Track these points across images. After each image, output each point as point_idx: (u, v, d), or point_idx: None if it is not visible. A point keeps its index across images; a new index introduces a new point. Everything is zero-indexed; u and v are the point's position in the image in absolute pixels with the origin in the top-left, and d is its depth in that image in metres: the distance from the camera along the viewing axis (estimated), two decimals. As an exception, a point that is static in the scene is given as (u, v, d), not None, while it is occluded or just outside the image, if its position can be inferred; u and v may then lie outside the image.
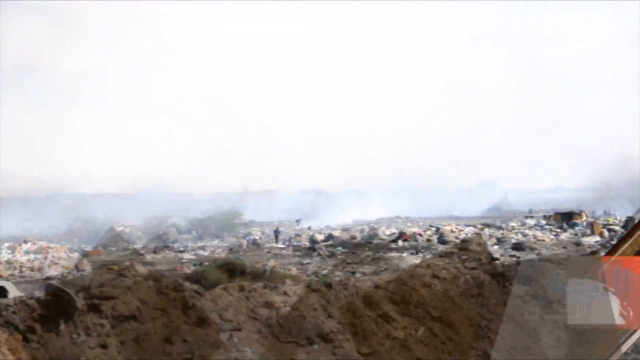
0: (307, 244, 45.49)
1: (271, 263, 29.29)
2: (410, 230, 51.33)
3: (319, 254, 36.63)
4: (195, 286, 18.11)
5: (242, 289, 18.94)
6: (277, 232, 51.42)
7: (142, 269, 22.75)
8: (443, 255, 34.49)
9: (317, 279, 20.98)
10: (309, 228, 68.22)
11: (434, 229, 52.29)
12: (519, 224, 59.40)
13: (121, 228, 62.35)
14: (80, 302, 13.61)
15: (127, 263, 26.88)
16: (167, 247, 46.44)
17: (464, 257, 31.94)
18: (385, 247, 40.54)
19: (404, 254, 35.67)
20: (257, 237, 55.44)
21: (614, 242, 35.74)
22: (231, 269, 19.92)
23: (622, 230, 45.15)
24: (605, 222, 54.00)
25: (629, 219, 49.73)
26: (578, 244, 39.35)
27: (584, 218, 57.88)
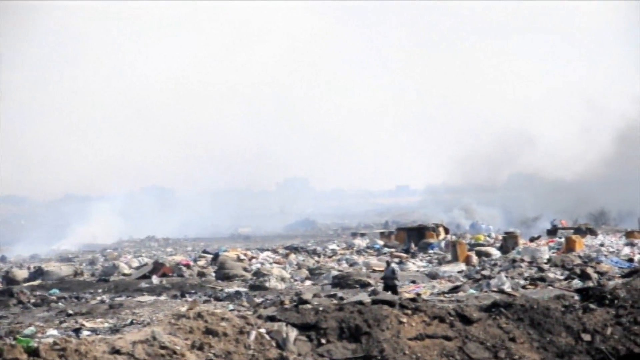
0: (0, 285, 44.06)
1: None
2: (171, 259, 51.20)
3: (20, 302, 35.61)
4: None
5: None
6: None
7: None
8: (225, 298, 34.89)
9: (14, 341, 20.32)
10: (3, 258, 66.12)
11: (209, 256, 52.56)
12: (344, 245, 61.27)
13: None
14: None
15: None
16: None
17: (257, 300, 32.52)
18: (130, 287, 40.19)
19: (162, 297, 35.52)
20: None
21: (486, 273, 37.86)
22: None
23: (499, 253, 47.93)
24: (473, 242, 57.06)
25: (508, 236, 52.89)
26: (433, 275, 41.21)
27: (442, 235, 60.77)
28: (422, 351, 20.53)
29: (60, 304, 34.91)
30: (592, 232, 59.08)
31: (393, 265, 34.66)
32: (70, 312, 31.23)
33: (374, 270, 43.88)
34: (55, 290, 39.44)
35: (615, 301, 22.62)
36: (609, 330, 21.55)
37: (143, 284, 40.82)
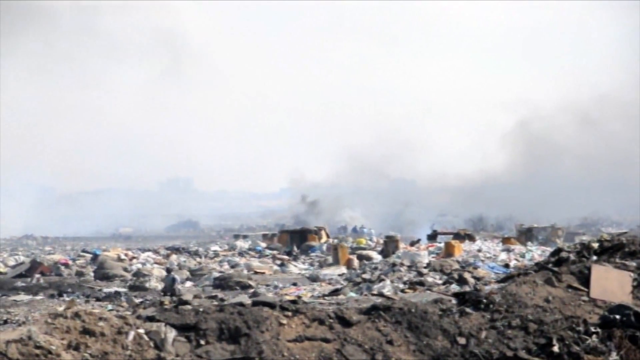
0: None
1: None
2: (50, 257, 50.51)
3: None
4: None
5: None
6: None
7: None
8: (104, 298, 34.55)
9: None
10: None
11: (89, 255, 52.09)
12: (226, 247, 61.23)
13: None
14: None
15: None
16: None
17: (137, 300, 32.24)
18: (6, 285, 39.51)
19: (39, 297, 35.01)
20: None
21: (367, 276, 38.22)
22: None
23: (381, 257, 48.46)
24: (355, 245, 57.61)
25: (389, 240, 53.51)
26: (314, 278, 41.48)
27: (325, 238, 61.22)
28: (300, 353, 20.62)
29: None
30: (471, 238, 60.01)
31: (173, 274, 34.82)
32: (-58, 311, 30.53)
33: (256, 272, 43.99)
34: None
35: (491, 306, 23.02)
36: (483, 334, 21.92)
37: (19, 283, 40.20)
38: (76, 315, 20.46)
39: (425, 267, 40.24)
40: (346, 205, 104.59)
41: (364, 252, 50.81)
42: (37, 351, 18.77)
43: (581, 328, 21.95)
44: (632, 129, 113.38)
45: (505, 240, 57.42)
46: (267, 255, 54.48)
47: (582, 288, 23.84)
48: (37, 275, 42.69)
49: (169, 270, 36.01)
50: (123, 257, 49.43)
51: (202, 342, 20.53)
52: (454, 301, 24.05)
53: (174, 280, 33.31)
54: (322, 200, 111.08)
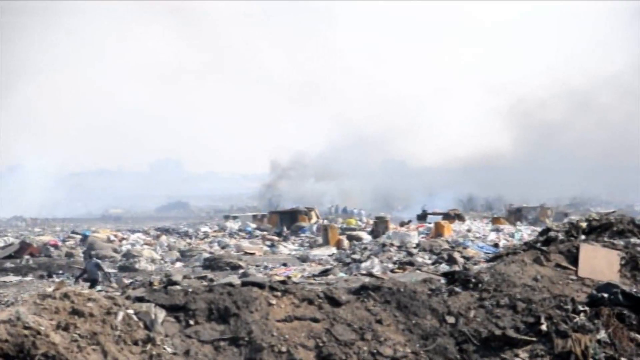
0: None
1: None
2: (39, 239, 50.50)
3: None
4: None
5: None
6: None
7: None
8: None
9: None
10: None
11: (78, 236, 52.09)
12: (216, 228, 61.26)
13: None
14: None
15: None
16: None
17: (126, 281, 32.30)
18: (-5, 266, 39.57)
19: (28, 278, 35.04)
20: None
21: (356, 256, 38.33)
22: None
23: (370, 237, 48.60)
24: (345, 226, 57.74)
25: (379, 221, 53.69)
26: (304, 259, 41.58)
27: (315, 219, 61.33)
28: (290, 333, 20.63)
29: None
30: (460, 218, 60.13)
31: (95, 259, 33.45)
32: None
33: (246, 253, 44.06)
34: None
35: (479, 285, 23.03)
36: (472, 313, 21.95)
37: (8, 264, 40.16)
38: (65, 296, 20.42)
39: (414, 247, 40.39)
40: (312, 175, 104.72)
41: (354, 233, 50.95)
42: (26, 332, 18.74)
43: (569, 306, 22.00)
44: (623, 110, 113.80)
45: (495, 220, 57.66)
46: (257, 236, 54.61)
47: (571, 267, 23.90)
48: (27, 257, 42.70)
49: (90, 256, 34.09)
50: (113, 238, 49.56)
51: (192, 322, 20.50)
52: (443, 281, 24.07)
53: (98, 265, 31.16)
54: (293, 169, 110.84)
